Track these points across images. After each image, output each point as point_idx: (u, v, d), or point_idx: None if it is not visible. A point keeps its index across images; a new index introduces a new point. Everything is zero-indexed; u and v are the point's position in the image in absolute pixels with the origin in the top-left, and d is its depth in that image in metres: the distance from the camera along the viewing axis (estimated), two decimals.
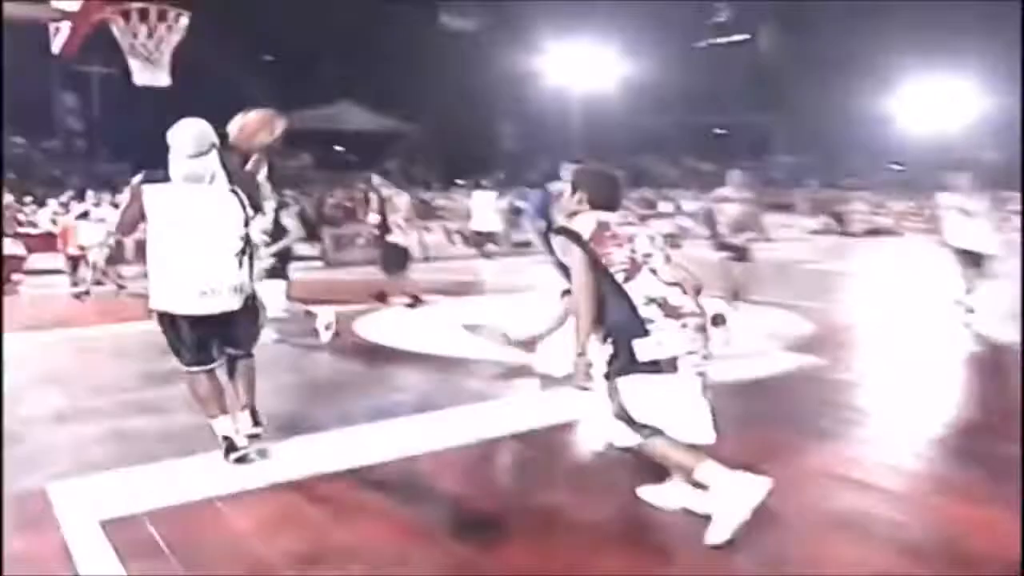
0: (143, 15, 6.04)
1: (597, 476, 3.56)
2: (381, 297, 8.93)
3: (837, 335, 7.09)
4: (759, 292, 7.88)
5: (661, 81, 33.69)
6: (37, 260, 11.80)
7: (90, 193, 12.95)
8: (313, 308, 6.83)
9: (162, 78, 6.87)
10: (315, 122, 29.17)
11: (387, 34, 31.09)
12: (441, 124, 30.96)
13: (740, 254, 7.54)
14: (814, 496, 3.33)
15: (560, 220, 3.32)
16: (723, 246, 7.58)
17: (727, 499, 2.77)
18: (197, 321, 3.53)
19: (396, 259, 8.97)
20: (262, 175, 4.11)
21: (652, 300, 2.86)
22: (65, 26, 6.77)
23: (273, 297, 6.37)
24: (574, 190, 3.18)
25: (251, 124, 4.09)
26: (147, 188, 3.53)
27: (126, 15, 6.18)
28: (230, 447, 3.63)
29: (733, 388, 4.80)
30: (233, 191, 3.53)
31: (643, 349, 2.82)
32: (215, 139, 3.54)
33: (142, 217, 3.54)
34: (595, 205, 3.11)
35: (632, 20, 30.49)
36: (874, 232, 21.22)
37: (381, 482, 3.50)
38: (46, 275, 11.58)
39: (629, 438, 2.92)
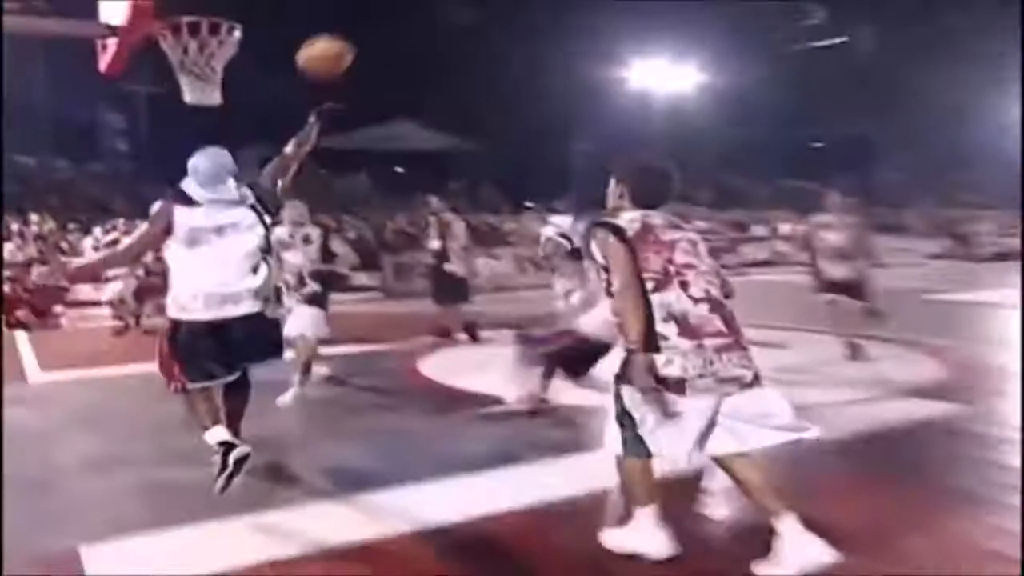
0: (193, 29, 6.14)
1: (704, 543, 3.31)
2: (444, 332, 8.84)
3: (974, 379, 6.64)
4: (876, 327, 7.47)
5: (750, 90, 33.19)
6: (82, 291, 12.16)
7: (120, 222, 13.43)
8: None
9: (213, 96, 6.98)
10: (372, 141, 29.78)
11: (448, 47, 31.62)
12: (509, 142, 31.13)
13: (854, 292, 7.16)
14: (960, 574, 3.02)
15: (603, 216, 3.30)
16: (830, 285, 7.21)
17: (787, 556, 2.86)
18: (212, 329, 3.73)
19: (452, 290, 8.89)
20: (286, 180, 4.44)
21: (672, 316, 2.92)
22: (111, 42, 6.94)
23: (307, 326, 6.30)
24: (617, 183, 3.18)
25: (319, 50, 4.55)
26: (177, 209, 3.83)
27: (175, 29, 6.29)
28: (228, 448, 3.58)
29: (858, 439, 4.49)
30: (253, 206, 3.93)
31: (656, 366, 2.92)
32: (233, 167, 3.97)
33: (164, 237, 3.86)
34: (639, 201, 3.11)
35: (716, 24, 30.23)
36: (1004, 256, 20.23)
37: (453, 546, 3.34)
38: (91, 307, 11.90)
39: (617, 446, 3.02)
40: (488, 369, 6.45)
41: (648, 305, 2.92)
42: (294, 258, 6.46)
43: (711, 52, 29.62)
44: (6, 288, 11.27)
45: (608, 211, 3.18)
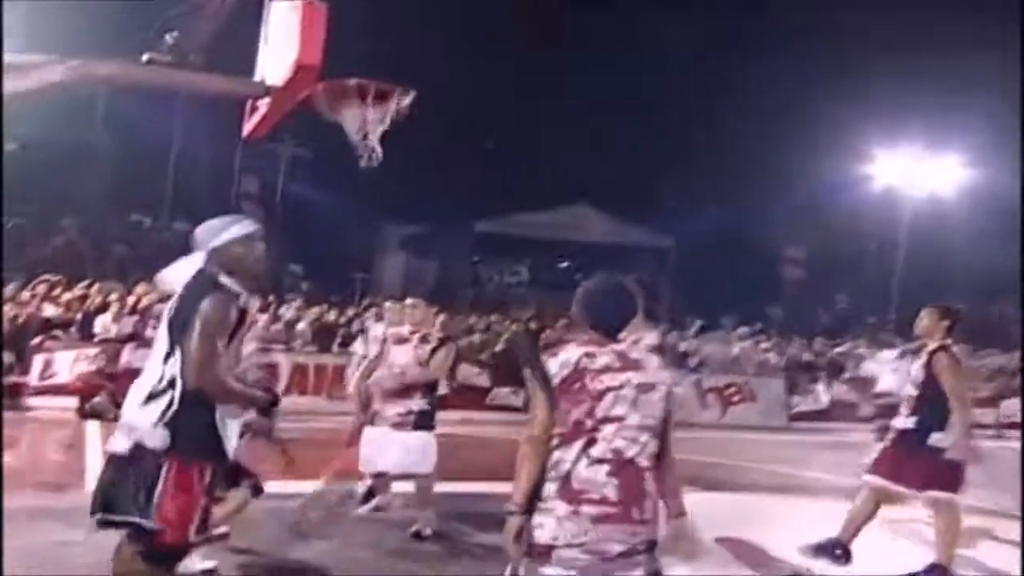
0: (361, 92, 6.73)
1: None
2: None
3: None
4: None
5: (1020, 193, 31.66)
6: None
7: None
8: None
9: (361, 161, 7.63)
10: (540, 228, 30.40)
11: (644, 122, 32.04)
12: (705, 241, 30.86)
13: None
14: None
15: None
16: None
17: None
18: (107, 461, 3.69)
19: None
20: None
21: (557, 476, 3.14)
22: (263, 104, 7.72)
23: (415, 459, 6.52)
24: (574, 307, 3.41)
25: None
26: None
27: (341, 91, 6.90)
28: None
29: None
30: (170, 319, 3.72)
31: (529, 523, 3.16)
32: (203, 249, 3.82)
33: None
34: (594, 328, 3.31)
35: (980, 114, 29.26)
36: None
37: None
38: None
39: None
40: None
41: (542, 462, 3.17)
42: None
43: (972, 147, 28.52)
44: (91, 367, 12.03)
45: (553, 343, 3.38)
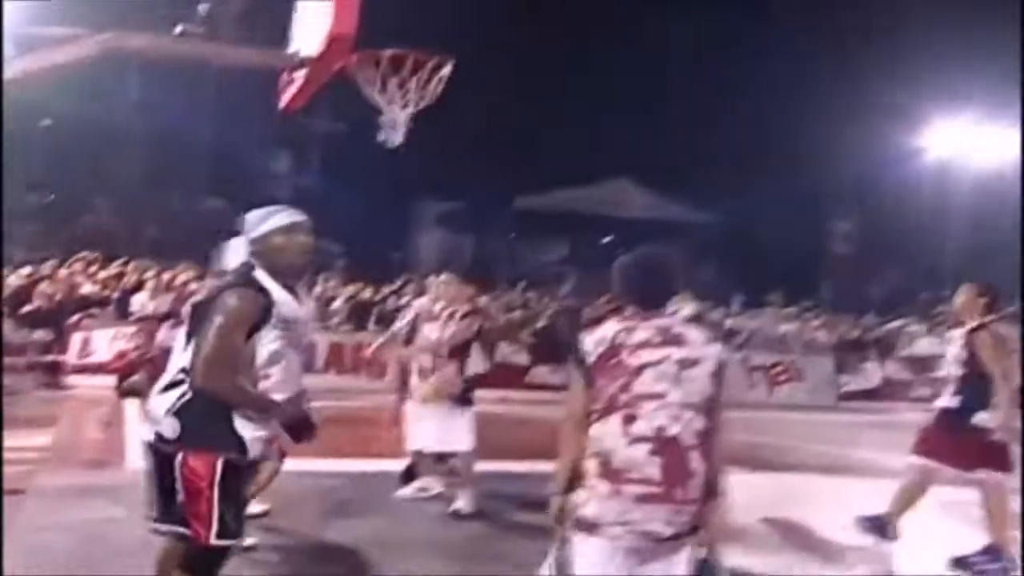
0: (396, 63, 6.74)
1: None
2: None
3: None
4: None
5: None
6: None
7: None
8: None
9: (394, 137, 7.65)
10: (581, 203, 30.25)
11: (689, 91, 31.66)
12: (747, 215, 30.52)
13: None
14: None
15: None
16: None
17: None
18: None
19: None
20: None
21: (597, 453, 3.14)
22: (299, 75, 7.80)
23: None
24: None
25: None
26: None
27: (375, 63, 6.93)
28: None
29: None
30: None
31: (574, 502, 3.19)
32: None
33: None
34: (634, 303, 3.33)
35: None
36: None
37: None
38: None
39: None
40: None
41: (581, 441, 3.20)
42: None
43: None
44: (128, 345, 12.28)
45: (594, 320, 3.39)
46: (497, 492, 6.90)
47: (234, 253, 3.64)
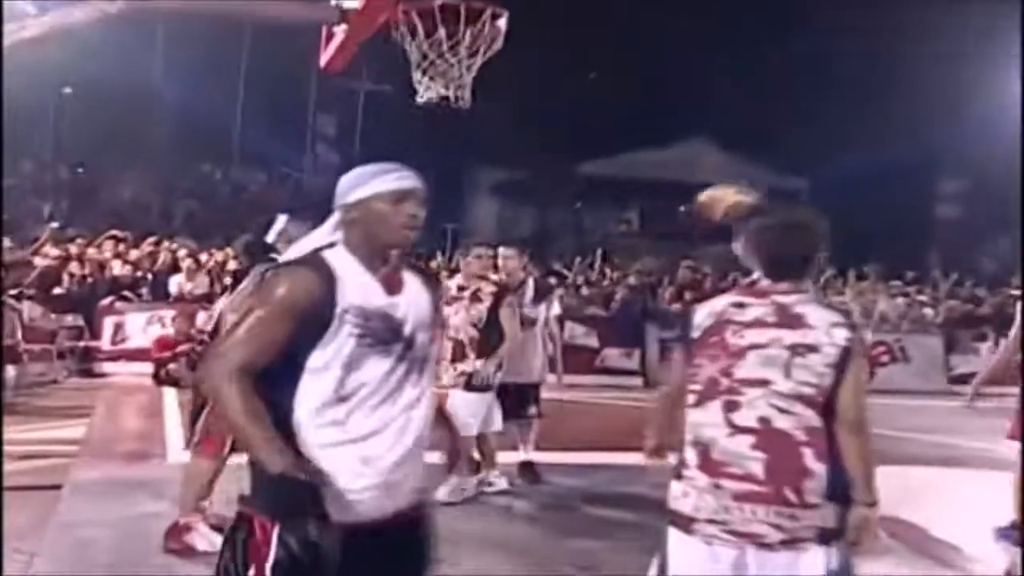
0: (447, 14, 6.71)
1: None
2: None
3: None
4: None
5: None
6: None
7: None
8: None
9: (464, 95, 7.64)
10: (651, 168, 30.07)
11: (770, 46, 31.28)
12: (833, 178, 30.20)
13: None
14: None
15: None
16: None
17: None
18: None
19: None
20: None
21: (697, 442, 3.11)
22: (340, 31, 7.82)
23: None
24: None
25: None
26: None
27: (422, 14, 6.90)
28: None
29: None
30: None
31: (671, 494, 3.16)
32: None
33: None
34: (767, 272, 3.22)
35: None
36: None
37: None
38: None
39: None
40: None
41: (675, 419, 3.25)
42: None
43: None
44: (167, 330, 12.31)
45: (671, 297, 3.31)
46: (566, 486, 6.95)
47: (280, 229, 3.54)
